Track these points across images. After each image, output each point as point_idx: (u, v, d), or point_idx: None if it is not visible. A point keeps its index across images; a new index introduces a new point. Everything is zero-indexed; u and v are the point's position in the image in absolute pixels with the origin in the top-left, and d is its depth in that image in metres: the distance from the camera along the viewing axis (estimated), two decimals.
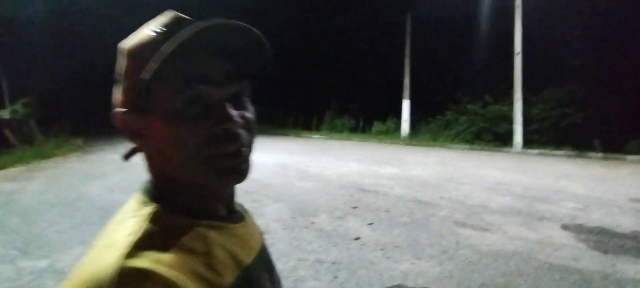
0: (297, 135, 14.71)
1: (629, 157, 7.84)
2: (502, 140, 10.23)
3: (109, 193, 4.30)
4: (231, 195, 0.48)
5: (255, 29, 0.38)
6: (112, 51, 0.45)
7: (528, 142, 9.68)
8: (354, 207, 3.75)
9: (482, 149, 9.86)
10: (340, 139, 13.22)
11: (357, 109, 14.56)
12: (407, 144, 11.44)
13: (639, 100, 10.78)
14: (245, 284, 0.41)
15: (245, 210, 0.52)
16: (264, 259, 0.49)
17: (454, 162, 7.17)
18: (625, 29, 11.05)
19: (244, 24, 0.37)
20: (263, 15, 18.75)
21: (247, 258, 0.44)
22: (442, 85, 12.85)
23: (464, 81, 12.23)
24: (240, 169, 0.42)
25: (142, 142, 0.41)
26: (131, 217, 0.38)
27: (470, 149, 9.95)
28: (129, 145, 0.45)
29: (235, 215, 0.48)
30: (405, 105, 12.53)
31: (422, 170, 6.13)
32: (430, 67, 13.27)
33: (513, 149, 9.47)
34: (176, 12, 0.41)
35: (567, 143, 9.43)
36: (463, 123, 11.10)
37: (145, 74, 0.35)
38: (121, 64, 0.41)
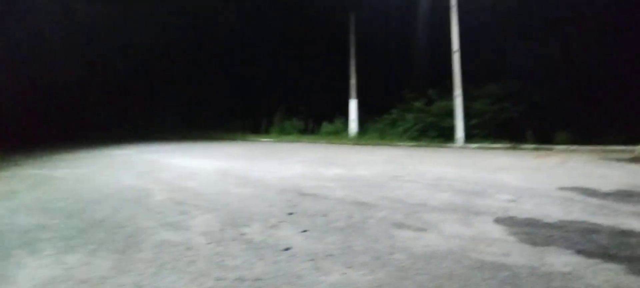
0: (245, 139, 14.27)
1: (557, 147, 8.41)
2: (447, 135, 10.57)
3: (11, 215, 3.73)
4: None
5: None
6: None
7: (469, 137, 10.08)
8: (290, 213, 3.54)
9: (427, 145, 10.12)
10: (289, 141, 12.99)
11: (306, 110, 14.43)
12: (355, 144, 11.47)
13: (566, 94, 11.70)
14: None
15: None
16: None
17: (400, 160, 7.23)
18: (556, 27, 11.96)
19: None
20: (209, 19, 18.13)
21: None
22: (389, 84, 13.09)
23: (410, 79, 12.55)
24: None
25: None
26: None
27: (417, 146, 10.18)
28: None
29: None
30: (353, 105, 12.60)
31: (367, 169, 6.08)
32: (376, 66, 13.48)
33: (456, 144, 9.82)
34: None
35: (505, 136, 9.96)
36: (409, 120, 11.36)
37: None
38: None
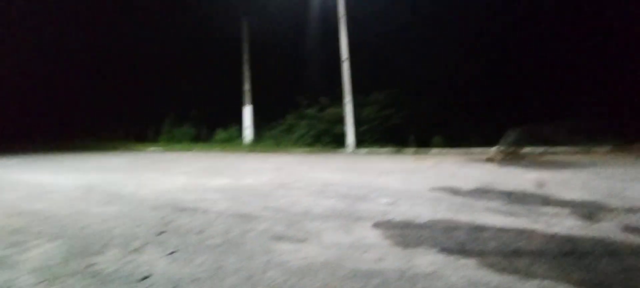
0: (129, 149, 12.77)
1: (433, 150, 9.41)
2: (339, 141, 11.00)
3: None
4: None
5: None
6: None
7: (360, 142, 10.65)
8: (161, 233, 3.10)
9: (320, 151, 10.36)
10: (179, 150, 12.02)
11: (199, 117, 13.58)
12: (249, 151, 11.17)
13: (441, 102, 13.21)
14: None
15: None
16: None
17: (291, 167, 7.18)
18: (435, 43, 13.45)
19: None
20: (92, 21, 15.85)
21: None
22: (284, 90, 13.12)
23: (304, 85, 12.77)
24: None
25: None
26: None
27: (310, 152, 10.34)
28: None
29: None
30: (247, 111, 12.29)
31: (257, 178, 5.85)
32: (272, 72, 13.40)
33: (347, 150, 10.27)
34: None
35: (391, 141, 10.79)
36: (303, 127, 11.51)
37: None
38: None
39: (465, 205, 3.70)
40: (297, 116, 11.82)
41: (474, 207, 3.62)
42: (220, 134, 12.81)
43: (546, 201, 3.75)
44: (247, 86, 12.19)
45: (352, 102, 10.37)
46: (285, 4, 11.80)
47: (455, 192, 4.37)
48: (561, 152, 8.18)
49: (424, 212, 3.53)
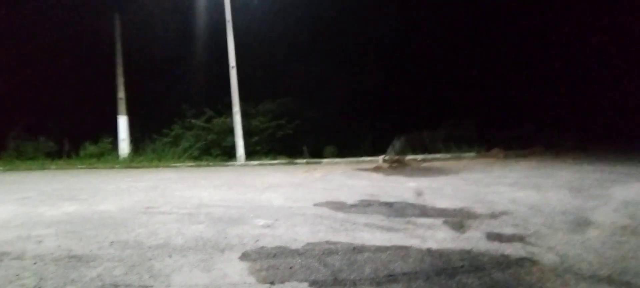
0: None
1: (324, 161, 9.40)
2: (230, 154, 10.29)
3: None
4: None
5: None
6: None
7: (251, 154, 10.12)
8: None
9: (208, 165, 9.52)
10: (27, 170, 9.83)
11: (59, 129, 11.36)
12: (126, 167, 9.70)
13: (334, 110, 13.47)
14: None
15: None
16: None
17: (168, 184, 6.29)
18: (326, 52, 13.65)
19: None
20: None
21: None
22: (169, 99, 11.86)
23: (190, 94, 11.71)
24: None
25: None
26: None
27: (197, 166, 9.42)
28: None
29: None
30: (122, 122, 10.75)
31: (118, 201, 4.88)
32: (154, 79, 12.00)
33: (237, 162, 9.64)
34: None
35: (284, 152, 10.50)
36: (190, 138, 10.50)
37: None
38: None
39: (347, 222, 3.48)
40: (184, 127, 10.74)
41: (355, 224, 3.42)
42: (89, 148, 10.89)
43: (423, 211, 3.78)
44: (121, 93, 10.62)
45: (240, 112, 9.80)
46: (166, 3, 10.67)
47: (339, 206, 4.17)
48: (437, 159, 8.89)
49: (302, 233, 3.19)
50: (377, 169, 7.59)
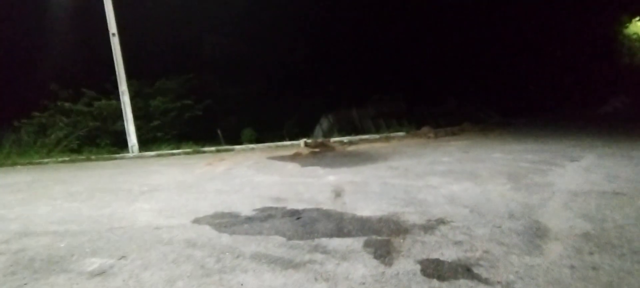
0: None
1: (238, 147, 8.16)
2: (123, 142, 8.51)
3: None
4: None
5: None
6: None
7: (150, 141, 8.50)
8: None
9: (87, 159, 7.71)
10: None
11: None
12: None
13: (253, 87, 12.13)
14: None
15: None
16: None
17: (5, 195, 4.63)
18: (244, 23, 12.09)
19: None
20: None
21: None
22: (33, 78, 9.50)
23: (62, 71, 9.49)
24: None
25: None
26: None
27: (72, 161, 7.58)
28: None
29: None
30: None
31: None
32: (9, 54, 9.51)
33: (129, 154, 7.97)
34: None
35: (195, 137, 9.03)
36: (64, 126, 8.48)
37: None
38: None
39: (228, 255, 2.40)
40: (56, 112, 8.64)
41: (239, 257, 2.36)
42: None
43: (339, 225, 2.83)
44: None
45: (131, 92, 8.06)
46: None
47: (228, 223, 3.07)
48: (366, 141, 8.16)
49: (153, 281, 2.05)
50: (295, 157, 6.59)
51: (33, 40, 9.76)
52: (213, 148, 8.08)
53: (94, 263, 2.40)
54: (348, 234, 2.63)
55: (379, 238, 2.53)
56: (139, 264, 2.35)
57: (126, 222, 3.22)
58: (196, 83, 9.66)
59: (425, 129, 8.20)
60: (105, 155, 7.77)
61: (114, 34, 7.68)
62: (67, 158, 7.57)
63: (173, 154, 7.85)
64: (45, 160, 7.51)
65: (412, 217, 2.91)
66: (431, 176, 4.30)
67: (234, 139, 9.43)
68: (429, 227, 2.67)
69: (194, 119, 9.49)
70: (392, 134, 8.31)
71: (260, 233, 2.76)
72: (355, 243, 2.47)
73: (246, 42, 12.47)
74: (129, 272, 2.26)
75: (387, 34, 12.93)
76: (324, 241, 2.53)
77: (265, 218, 3.11)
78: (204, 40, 12.33)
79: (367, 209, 3.18)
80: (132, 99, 8.19)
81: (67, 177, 5.82)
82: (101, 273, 2.26)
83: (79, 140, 8.29)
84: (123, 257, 2.48)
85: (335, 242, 2.50)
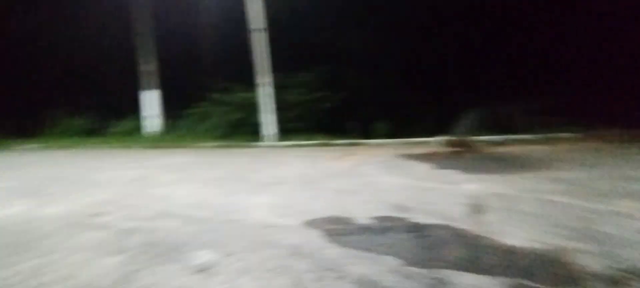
0: (4, 148, 10.44)
1: (369, 142, 7.87)
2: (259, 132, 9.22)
3: None
4: None
5: None
6: None
7: (285, 132, 8.97)
8: None
9: (231, 146, 8.58)
10: (67, 148, 9.85)
11: (93, 105, 11.32)
12: (151, 146, 9.20)
13: (389, 81, 11.69)
14: None
15: None
16: None
17: (158, 175, 5.38)
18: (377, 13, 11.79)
19: None
20: None
21: None
22: (199, 72, 11.10)
23: (218, 67, 10.79)
24: None
25: None
26: None
27: (220, 147, 8.56)
28: None
29: None
30: (147, 97, 10.24)
31: (74, 202, 4.01)
32: (181, 50, 11.29)
33: (263, 143, 8.55)
34: None
35: (327, 129, 9.18)
36: (216, 115, 9.67)
37: None
38: None
39: (329, 274, 2.09)
40: (215, 102, 9.96)
41: (342, 279, 2.02)
42: (118, 125, 10.73)
43: (474, 256, 2.21)
44: (145, 66, 10.05)
45: (271, 84, 8.61)
46: None
47: (339, 230, 2.77)
48: (518, 142, 6.86)
49: None
50: (431, 156, 5.91)
51: (197, 41, 11.45)
52: (343, 142, 8.01)
53: (202, 257, 2.40)
54: (486, 270, 2.01)
55: (532, 285, 1.83)
56: (239, 267, 2.24)
57: (242, 215, 3.24)
58: (332, 76, 9.78)
59: (603, 131, 6.34)
60: (244, 144, 8.54)
61: (256, 30, 8.31)
62: (217, 144, 8.64)
63: (303, 145, 8.09)
64: (204, 144, 8.72)
65: (588, 259, 2.07)
66: (619, 198, 3.15)
67: (367, 132, 9.21)
68: (616, 282, 1.83)
69: (328, 111, 9.63)
70: (554, 135, 6.75)
71: (373, 249, 2.36)
72: (495, 286, 1.84)
73: (384, 33, 12.04)
74: (227, 274, 2.16)
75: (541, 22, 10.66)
76: (452, 275, 1.97)
77: (383, 231, 2.70)
78: (341, 33, 12.40)
79: (516, 236, 2.44)
80: (269, 91, 8.79)
81: (213, 161, 6.53)
82: (203, 270, 2.22)
83: (225, 128, 9.39)
84: (229, 254, 2.42)
85: (467, 279, 1.92)
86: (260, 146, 8.33)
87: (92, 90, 11.74)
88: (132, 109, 10.53)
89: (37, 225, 3.23)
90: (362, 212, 3.16)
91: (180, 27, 11.08)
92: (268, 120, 8.60)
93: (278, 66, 9.15)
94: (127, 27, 10.42)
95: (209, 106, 10.04)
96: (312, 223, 2.93)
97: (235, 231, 2.86)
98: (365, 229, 2.77)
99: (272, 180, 4.62)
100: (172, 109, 10.48)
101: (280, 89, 9.20)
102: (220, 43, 10.98)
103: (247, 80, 9.36)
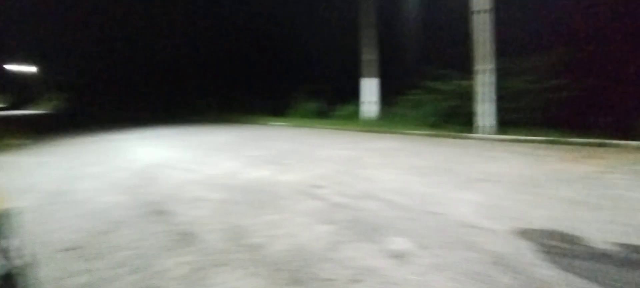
0: (260, 123, 13.58)
1: (628, 143, 6.10)
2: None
3: None
4: None
5: None
6: None
7: (505, 124, 8.02)
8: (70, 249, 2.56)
9: (441, 135, 8.30)
10: (301, 126, 11.94)
11: (329, 91, 13.10)
12: (365, 130, 10.00)
13: None
14: None
15: None
16: None
17: (368, 158, 5.77)
18: None
19: None
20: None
21: None
22: (420, 58, 11.14)
23: (442, 51, 10.48)
24: None
25: None
26: None
27: (430, 135, 8.43)
28: None
29: None
30: (365, 85, 11.03)
31: (304, 172, 4.81)
32: (401, 38, 11.58)
33: (476, 134, 7.86)
34: None
35: (557, 124, 7.74)
36: (429, 103, 9.51)
37: None
38: None
39: None
40: (427, 90, 9.86)
41: None
42: (341, 109, 12.08)
43: None
44: (367, 55, 10.82)
45: (492, 71, 7.77)
46: None
47: (559, 251, 2.31)
48: None
49: None
50: None
51: (411, 28, 11.52)
52: (584, 140, 6.50)
53: (398, 243, 2.47)
54: None
55: None
56: (433, 262, 2.18)
57: (443, 209, 3.13)
58: (573, 59, 8.02)
59: None
60: (455, 134, 8.09)
61: (480, 11, 7.62)
62: (428, 132, 8.55)
63: (526, 141, 7.00)
64: (414, 132, 8.83)
65: None
66: None
67: (622, 131, 7.17)
68: None
69: (565, 102, 8.01)
70: None
71: (607, 285, 1.85)
72: None
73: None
74: (420, 266, 2.15)
75: None
76: None
77: (628, 264, 2.07)
78: (579, 9, 10.01)
79: None
80: (489, 78, 7.98)
81: (421, 149, 6.53)
82: (398, 256, 2.28)
83: (437, 116, 9.13)
84: (424, 247, 2.40)
85: None
86: (473, 138, 7.75)
87: (324, 77, 13.70)
88: (355, 95, 11.69)
89: (276, 189, 4.05)
90: (600, 233, 2.51)
91: (394, 15, 11.44)
92: (485, 110, 7.88)
93: (501, 50, 8.22)
94: (352, 21, 11.55)
95: (422, 94, 10.03)
96: (525, 234, 2.54)
97: (434, 224, 2.79)
98: (601, 256, 2.19)
99: (482, 177, 4.24)
100: (387, 95, 11.01)
101: (503, 75, 8.25)
102: (436, 29, 10.71)
103: (464, 67, 8.82)
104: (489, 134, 7.79)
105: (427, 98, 9.63)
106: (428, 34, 11.36)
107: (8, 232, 1.32)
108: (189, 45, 21.80)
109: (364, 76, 11.01)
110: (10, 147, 8.02)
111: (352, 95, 11.90)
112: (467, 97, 8.55)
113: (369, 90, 11.09)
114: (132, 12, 24.30)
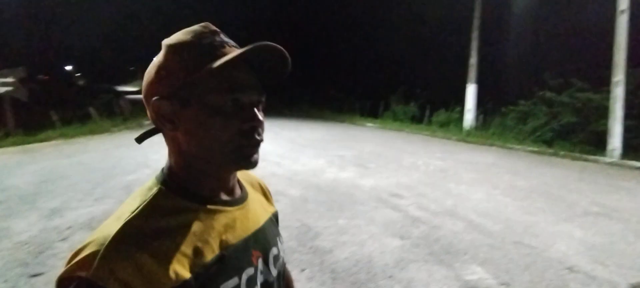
0: (351, 122, 13.69)
1: None
2: (598, 143, 7.31)
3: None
4: (233, 183, 0.57)
5: (283, 49, 0.50)
6: None
7: (632, 148, 6.74)
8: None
9: (554, 155, 7.27)
10: (393, 129, 11.70)
11: (424, 95, 12.52)
12: (463, 140, 9.31)
13: None
14: (221, 263, 0.49)
15: (247, 195, 0.60)
16: (259, 238, 0.57)
17: (463, 169, 5.33)
18: None
19: (278, 46, 0.49)
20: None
21: (233, 239, 0.52)
22: (528, 66, 9.97)
23: (553, 58, 9.21)
24: (254, 159, 0.53)
25: (172, 127, 0.50)
26: (139, 195, 0.49)
27: (540, 153, 7.46)
28: None
29: (235, 200, 0.56)
30: (470, 91, 10.21)
31: (384, 179, 4.66)
32: (509, 41, 10.46)
33: (606, 158, 6.69)
34: (210, 24, 0.52)
35: None
36: (542, 116, 8.41)
37: (213, 65, 0.46)
38: (163, 59, 0.50)
39: None
40: (536, 101, 8.73)
41: None
42: (440, 115, 11.37)
43: None
44: (473, 59, 9.96)
45: (624, 83, 6.51)
46: None
47: None
48: None
49: None
50: None
51: (535, 29, 10.30)
52: None
53: (474, 273, 2.23)
54: None
55: None
56: None
57: (538, 242, 2.74)
58: None
59: None
60: (576, 154, 6.99)
61: (623, 11, 6.39)
62: (536, 149, 7.56)
63: None
64: (518, 146, 7.90)
65: None
66: None
67: None
68: None
69: None
70: None
71: None
72: None
73: None
74: None
75: None
76: None
77: None
78: None
79: None
80: (629, 92, 6.75)
81: (523, 168, 5.82)
82: None
83: (553, 132, 8.00)
84: (505, 284, 2.12)
85: None
86: (598, 161, 6.61)
87: (421, 80, 13.14)
88: (453, 102, 10.94)
89: (355, 192, 4.01)
90: None
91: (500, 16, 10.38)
92: (615, 130, 6.68)
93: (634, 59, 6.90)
94: (459, 26, 10.82)
95: (529, 105, 8.97)
96: None
97: (522, 259, 2.46)
98: None
99: (597, 209, 3.61)
100: (488, 104, 10.08)
101: (633, 90, 6.95)
102: (567, 32, 9.35)
103: (590, 77, 7.61)
104: (618, 158, 6.59)
105: (538, 110, 8.55)
106: (542, 38, 10.07)
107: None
108: (291, 39, 22.77)
109: (469, 82, 10.22)
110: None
111: (450, 101, 11.19)
112: (594, 113, 7.36)
113: (471, 97, 10.29)
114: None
